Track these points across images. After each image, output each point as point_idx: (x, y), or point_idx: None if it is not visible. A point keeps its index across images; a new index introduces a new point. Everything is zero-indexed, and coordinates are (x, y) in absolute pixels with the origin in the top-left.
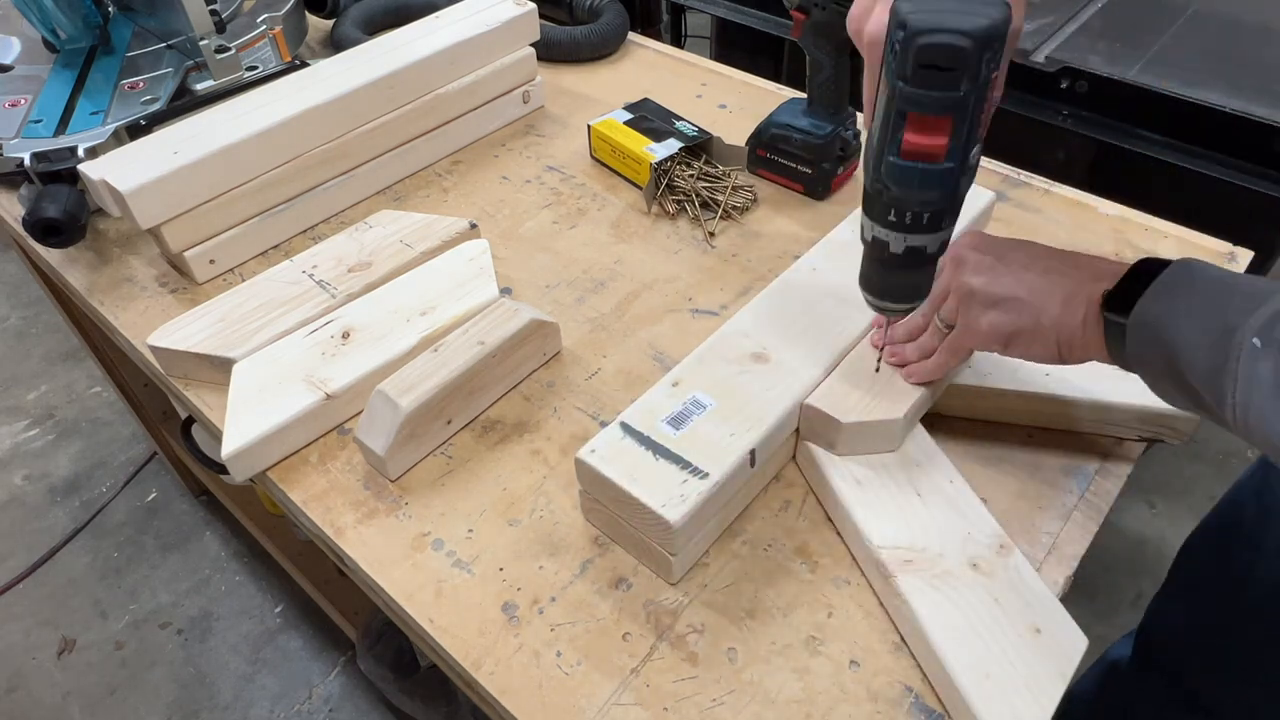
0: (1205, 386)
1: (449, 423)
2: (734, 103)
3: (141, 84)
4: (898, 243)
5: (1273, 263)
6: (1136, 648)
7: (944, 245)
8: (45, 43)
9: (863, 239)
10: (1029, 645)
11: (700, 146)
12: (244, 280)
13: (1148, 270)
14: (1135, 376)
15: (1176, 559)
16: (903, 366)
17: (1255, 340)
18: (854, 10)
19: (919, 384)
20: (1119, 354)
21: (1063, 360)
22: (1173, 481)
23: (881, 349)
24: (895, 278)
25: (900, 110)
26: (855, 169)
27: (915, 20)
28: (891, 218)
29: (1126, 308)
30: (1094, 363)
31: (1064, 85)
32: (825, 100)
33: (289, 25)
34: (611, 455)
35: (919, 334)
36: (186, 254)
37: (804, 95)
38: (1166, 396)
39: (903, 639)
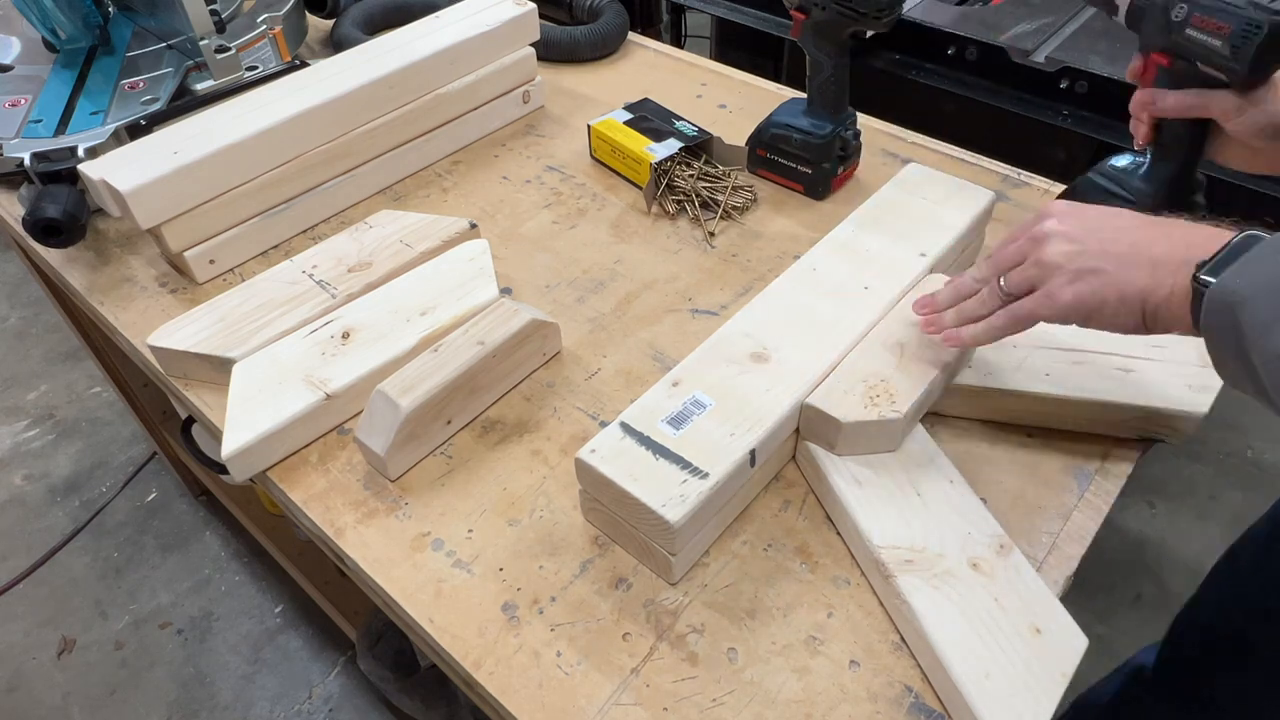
0: (1269, 371)
1: (449, 423)
2: (734, 103)
3: (141, 84)
4: None
5: None
6: (1161, 657)
7: None
8: (45, 43)
9: None
10: (1029, 645)
11: (700, 146)
12: (244, 280)
13: (1247, 242)
14: (1135, 377)
15: (1216, 565)
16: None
17: None
18: None
19: (964, 346)
20: (1200, 326)
21: (1146, 330)
22: (1173, 481)
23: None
24: None
25: None
26: (855, 169)
27: None
28: None
29: (1213, 277)
30: (1095, 364)
31: (1064, 85)
32: (825, 100)
33: (289, 25)
34: (611, 455)
35: (967, 297)
36: (186, 254)
37: (804, 95)
38: (1228, 376)
39: (903, 639)
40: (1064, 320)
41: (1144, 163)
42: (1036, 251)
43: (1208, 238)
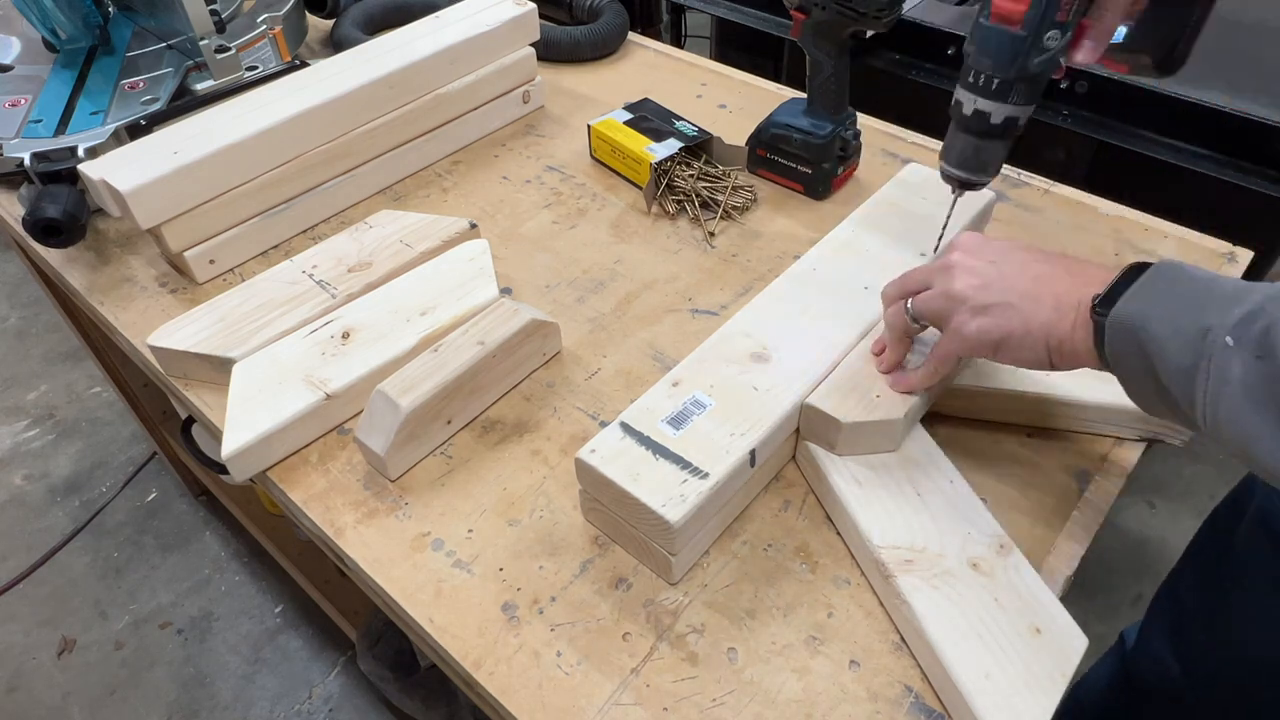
0: (1178, 387)
1: (449, 423)
2: (734, 103)
3: (141, 84)
4: (969, 104)
5: (1273, 263)
6: (1141, 632)
7: (1010, 123)
8: (45, 43)
9: (949, 111)
10: (1029, 645)
11: (700, 146)
12: (244, 280)
13: (1135, 272)
14: None
15: (1192, 539)
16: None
17: (1228, 339)
18: None
19: (905, 393)
20: (1104, 358)
21: (1053, 366)
22: (1173, 481)
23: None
24: (965, 143)
25: None
26: (855, 169)
27: None
28: (969, 79)
29: (1109, 308)
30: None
31: (1064, 85)
32: (825, 100)
33: (289, 25)
34: (611, 455)
35: (890, 330)
36: (186, 254)
37: (804, 95)
38: (1143, 401)
39: (903, 639)
40: (973, 353)
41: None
42: (944, 283)
43: (1103, 273)
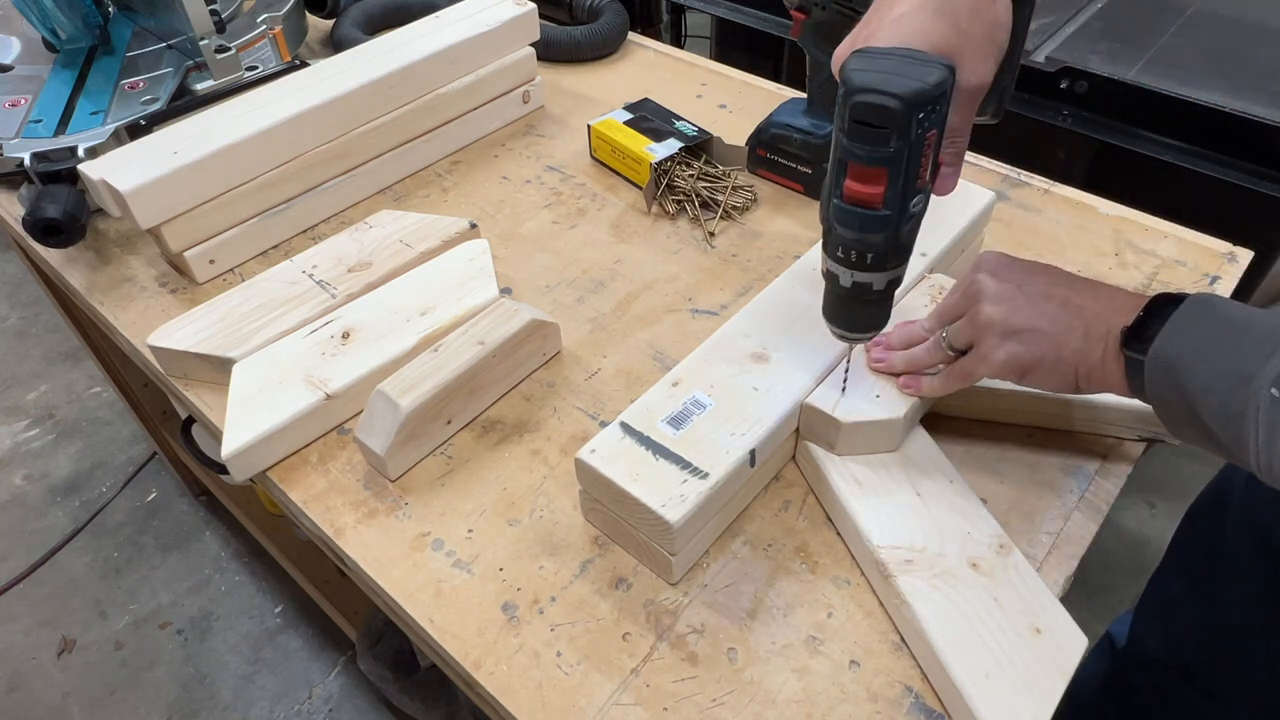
0: (1224, 431)
1: (449, 423)
2: (734, 103)
3: (141, 84)
4: (845, 277)
5: (1273, 263)
6: (1132, 630)
7: (893, 283)
8: (45, 43)
9: (821, 271)
10: (1029, 645)
11: (700, 146)
12: (244, 280)
13: (1165, 305)
14: None
15: (1175, 533)
16: (892, 375)
17: (1274, 391)
18: (838, 50)
19: (921, 396)
20: (1139, 390)
21: (1079, 390)
22: (1173, 481)
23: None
24: (850, 310)
25: (840, 159)
26: None
27: (854, 79)
28: (839, 254)
29: (1144, 345)
30: None
31: (1064, 85)
32: (825, 100)
33: (289, 25)
34: (611, 455)
35: (916, 343)
36: (186, 254)
37: (804, 95)
38: (1184, 436)
39: (903, 639)
40: (1001, 377)
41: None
42: (972, 309)
43: (1129, 300)
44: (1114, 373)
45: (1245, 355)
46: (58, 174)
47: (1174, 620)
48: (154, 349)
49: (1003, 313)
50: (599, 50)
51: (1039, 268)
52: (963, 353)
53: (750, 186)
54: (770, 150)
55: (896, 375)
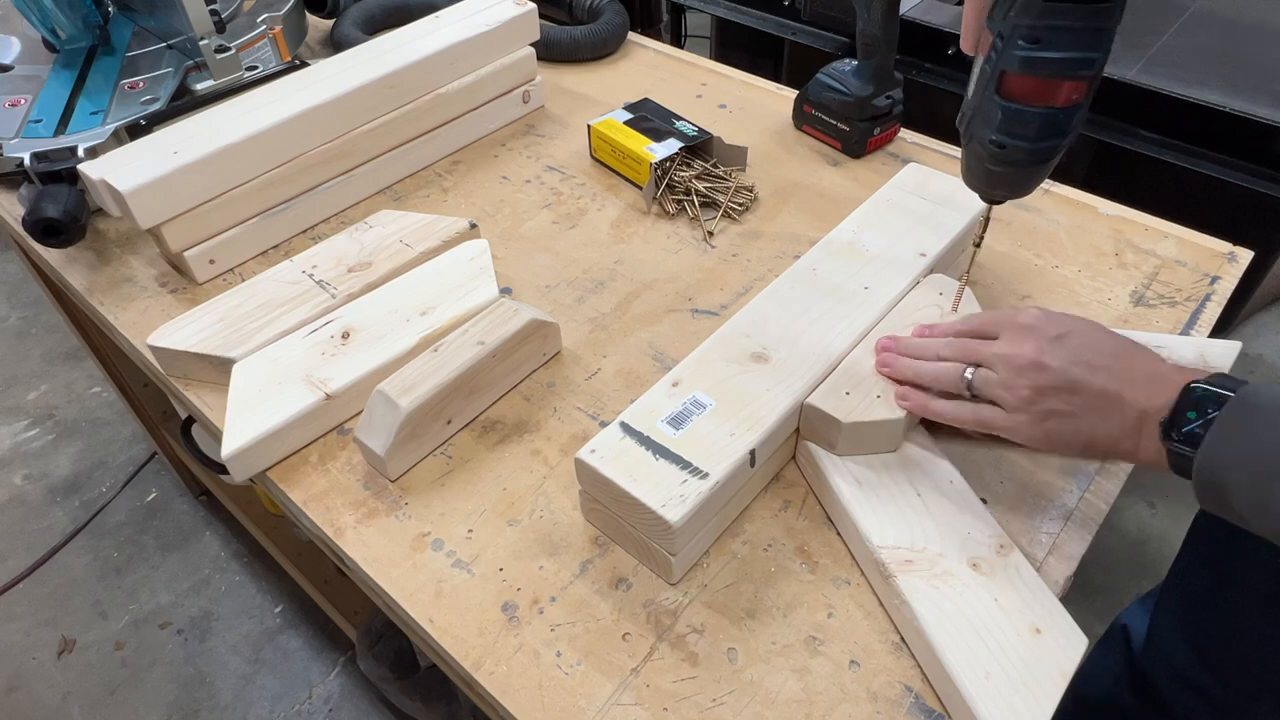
0: (1268, 530)
1: (449, 423)
2: (734, 103)
3: (141, 84)
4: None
5: (1273, 263)
6: (1151, 628)
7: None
8: (45, 43)
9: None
10: (1029, 645)
11: (700, 146)
12: (244, 280)
13: (1197, 398)
14: None
15: (1191, 526)
16: (894, 379)
17: None
18: None
19: (928, 416)
20: (1184, 474)
21: (1107, 461)
22: (1173, 481)
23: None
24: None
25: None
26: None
27: None
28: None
29: (1184, 440)
30: None
31: None
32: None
33: (289, 25)
34: (611, 455)
35: (928, 356)
36: (186, 254)
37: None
38: (1231, 519)
39: (903, 639)
40: (1023, 443)
41: (855, 64)
42: (1008, 371)
43: (1168, 376)
44: (1149, 456)
45: None
46: (58, 174)
47: (1194, 614)
48: (154, 349)
49: (1036, 391)
50: (599, 50)
51: (1075, 333)
52: (974, 396)
53: (750, 186)
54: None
55: (898, 381)
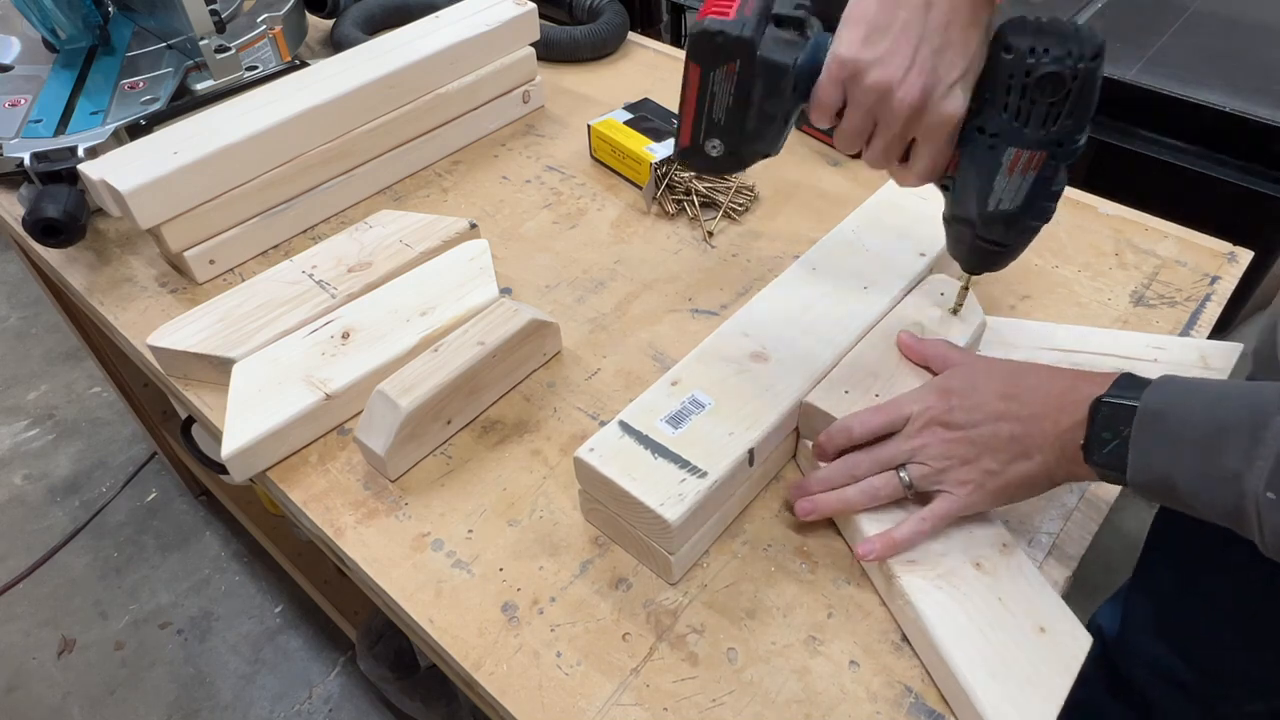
0: (1225, 520)
1: (449, 423)
2: None
3: (141, 84)
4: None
5: (1273, 263)
6: (1123, 624)
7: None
8: (45, 43)
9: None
10: (1033, 644)
11: None
12: (244, 280)
13: (1105, 415)
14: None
15: (1154, 520)
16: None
17: (1270, 495)
18: None
19: (886, 555)
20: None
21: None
22: None
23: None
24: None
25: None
26: None
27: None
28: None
29: (1110, 465)
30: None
31: None
32: None
33: (289, 25)
34: (610, 454)
35: (843, 480)
36: (186, 254)
37: None
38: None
39: (903, 639)
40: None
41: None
42: (933, 458)
43: (1077, 391)
44: (1085, 472)
45: (1227, 454)
46: (58, 174)
47: (1163, 608)
48: (154, 349)
49: (967, 461)
50: (599, 50)
51: (962, 390)
52: (914, 490)
53: (750, 186)
54: None
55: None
